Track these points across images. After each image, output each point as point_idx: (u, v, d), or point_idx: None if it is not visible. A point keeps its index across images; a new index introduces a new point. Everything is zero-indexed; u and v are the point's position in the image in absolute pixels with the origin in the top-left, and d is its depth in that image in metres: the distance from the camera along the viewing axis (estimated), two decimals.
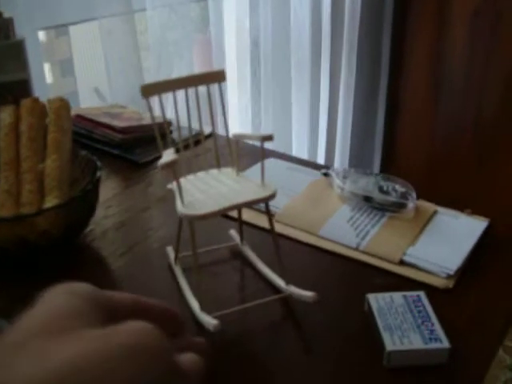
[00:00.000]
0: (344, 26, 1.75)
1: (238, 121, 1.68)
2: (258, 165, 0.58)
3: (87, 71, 1.53)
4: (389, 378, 0.51)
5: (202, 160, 0.61)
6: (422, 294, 0.57)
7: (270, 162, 0.88)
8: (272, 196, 0.54)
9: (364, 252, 0.67)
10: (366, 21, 1.79)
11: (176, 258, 0.63)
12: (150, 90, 0.55)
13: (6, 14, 0.87)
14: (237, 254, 0.67)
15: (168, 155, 0.51)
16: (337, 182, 0.77)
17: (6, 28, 0.85)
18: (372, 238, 0.68)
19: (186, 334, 0.33)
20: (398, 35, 1.94)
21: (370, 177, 0.77)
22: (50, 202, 0.64)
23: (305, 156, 1.79)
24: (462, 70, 1.90)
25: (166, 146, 0.55)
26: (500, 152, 1.90)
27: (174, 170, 0.52)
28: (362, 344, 0.54)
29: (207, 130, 0.69)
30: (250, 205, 0.55)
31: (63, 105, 0.69)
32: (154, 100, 0.57)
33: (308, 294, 0.57)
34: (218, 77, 0.59)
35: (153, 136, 0.56)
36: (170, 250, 0.66)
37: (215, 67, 1.49)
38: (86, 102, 1.44)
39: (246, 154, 0.90)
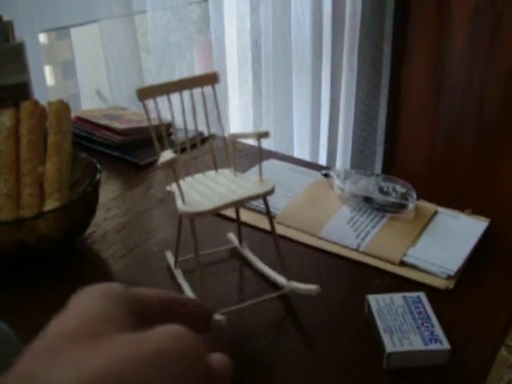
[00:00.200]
0: (345, 26, 1.75)
1: (239, 122, 1.69)
2: (257, 166, 0.58)
3: (89, 73, 1.53)
4: (389, 379, 0.50)
5: (199, 162, 0.61)
6: (422, 294, 0.57)
7: (270, 164, 0.88)
8: (271, 191, 0.54)
9: (364, 253, 0.67)
10: (366, 20, 1.79)
11: (176, 261, 0.63)
12: (146, 93, 0.55)
13: (6, 17, 0.87)
14: (236, 256, 0.67)
15: (166, 155, 0.51)
16: (337, 182, 0.77)
17: (6, 31, 0.86)
18: (372, 238, 0.68)
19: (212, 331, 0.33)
20: (398, 35, 1.94)
21: (371, 177, 0.77)
22: (50, 204, 0.64)
23: (306, 157, 1.79)
24: (463, 69, 1.89)
25: (163, 149, 0.55)
26: (501, 152, 1.89)
27: (174, 169, 0.52)
28: (362, 345, 0.54)
29: (206, 132, 0.69)
30: (249, 200, 0.55)
31: (63, 107, 0.69)
32: (156, 102, 0.57)
33: (311, 287, 0.57)
34: (212, 79, 0.59)
35: (159, 137, 0.56)
36: (170, 255, 0.66)
37: (216, 68, 1.49)
38: (88, 104, 1.45)
39: (247, 155, 0.90)
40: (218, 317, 0.52)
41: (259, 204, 0.73)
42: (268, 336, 0.56)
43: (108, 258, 0.68)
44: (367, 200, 0.74)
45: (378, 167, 2.08)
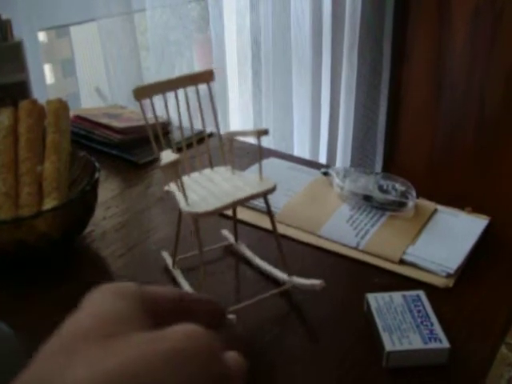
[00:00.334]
0: (345, 23, 1.75)
1: (239, 120, 1.68)
2: (257, 164, 0.58)
3: (89, 72, 1.53)
4: (388, 378, 0.50)
5: (197, 161, 0.60)
6: (421, 293, 0.57)
7: (270, 162, 0.88)
8: (273, 189, 0.54)
9: (364, 251, 0.66)
10: (366, 18, 1.78)
11: (174, 260, 0.63)
12: (143, 93, 0.55)
13: (5, 16, 0.87)
14: (233, 253, 0.67)
15: (169, 155, 0.51)
16: (336, 181, 0.77)
17: (4, 30, 0.85)
18: (372, 237, 0.68)
19: (226, 328, 0.33)
20: (398, 33, 1.93)
21: (370, 176, 0.76)
22: (49, 203, 0.64)
23: (306, 155, 1.79)
24: (464, 68, 1.89)
25: (160, 148, 0.55)
26: (501, 150, 1.89)
27: (178, 170, 0.52)
28: (362, 344, 0.54)
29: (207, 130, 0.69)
30: (252, 198, 0.55)
31: (62, 106, 0.69)
32: (152, 101, 0.57)
33: (315, 282, 0.57)
34: (207, 77, 0.59)
35: (155, 136, 0.56)
36: (166, 255, 0.65)
37: (216, 66, 1.48)
38: (88, 103, 1.44)
39: (247, 153, 0.90)
40: (229, 315, 0.52)
41: (259, 203, 0.73)
42: (271, 331, 0.56)
43: (107, 256, 0.68)
44: (367, 198, 0.73)
45: (378, 165, 2.08)
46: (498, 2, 1.75)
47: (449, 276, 0.62)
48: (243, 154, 0.90)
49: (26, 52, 0.90)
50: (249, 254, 0.66)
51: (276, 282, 0.61)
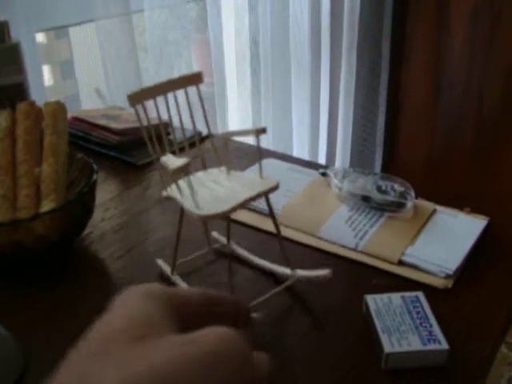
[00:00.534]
0: (343, 23, 1.75)
1: (237, 120, 1.68)
2: (257, 165, 0.58)
3: (88, 73, 1.53)
4: (387, 379, 0.50)
5: (195, 163, 0.60)
6: (420, 294, 0.57)
7: (269, 163, 0.88)
8: (276, 187, 0.55)
9: (362, 252, 0.66)
10: (365, 19, 1.78)
11: (174, 265, 0.61)
12: (137, 98, 0.55)
13: (2, 17, 0.86)
14: (226, 254, 0.67)
15: (173, 160, 0.51)
16: (335, 181, 0.77)
17: (2, 31, 0.85)
18: (370, 238, 0.68)
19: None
20: (397, 33, 1.93)
21: (369, 176, 0.76)
22: (47, 205, 0.64)
23: (305, 156, 1.79)
24: (462, 68, 1.89)
25: (155, 149, 0.55)
26: (500, 150, 1.89)
27: (188, 174, 0.52)
28: (361, 345, 0.54)
29: (204, 131, 0.69)
30: (259, 197, 0.55)
31: (59, 108, 0.69)
32: (144, 105, 0.56)
33: (322, 272, 0.57)
34: (195, 79, 0.59)
35: (150, 138, 0.56)
36: (161, 263, 0.64)
37: (214, 67, 1.48)
38: (87, 104, 1.44)
39: (246, 154, 0.90)
40: (253, 314, 0.52)
41: (258, 203, 0.73)
42: (270, 332, 0.55)
43: (106, 258, 0.68)
44: (365, 199, 0.73)
45: (378, 166, 2.08)
46: (496, 2, 1.75)
47: (448, 277, 0.62)
48: (241, 155, 0.89)
49: (24, 53, 0.90)
50: (244, 253, 0.65)
51: (276, 281, 0.61)
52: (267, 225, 0.70)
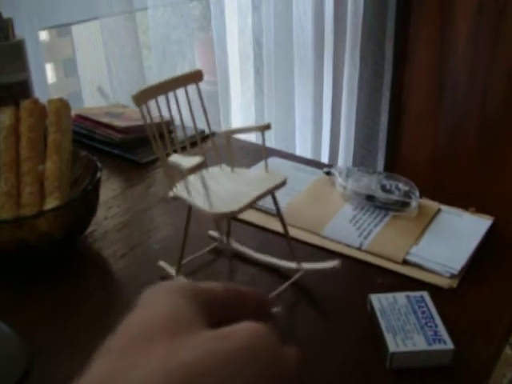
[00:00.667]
0: (347, 24, 1.74)
1: (241, 119, 1.68)
2: (260, 163, 0.58)
3: (91, 71, 1.52)
4: (392, 379, 0.50)
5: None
6: (425, 294, 0.56)
7: (272, 162, 0.87)
8: (284, 182, 0.56)
9: (367, 251, 0.66)
10: (368, 18, 1.78)
11: (179, 264, 0.60)
12: (142, 97, 0.55)
13: (6, 15, 0.86)
14: (227, 252, 0.67)
15: (182, 159, 0.50)
16: (339, 180, 0.77)
17: (6, 29, 0.85)
18: (375, 237, 0.68)
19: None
20: (400, 33, 1.93)
21: (373, 175, 0.76)
22: (51, 203, 0.63)
23: (308, 155, 1.78)
24: (466, 67, 1.89)
25: (159, 147, 0.55)
26: (504, 149, 1.89)
27: (202, 173, 0.52)
28: (365, 345, 0.53)
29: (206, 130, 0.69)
30: (269, 193, 0.55)
31: (63, 105, 0.69)
32: (148, 105, 0.56)
33: (329, 264, 0.57)
34: (195, 77, 0.59)
35: (155, 137, 0.56)
36: (164, 264, 0.63)
37: (218, 66, 1.48)
38: (90, 102, 1.44)
39: (247, 153, 0.90)
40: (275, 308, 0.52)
41: (264, 203, 0.72)
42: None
43: (109, 256, 0.68)
44: (369, 198, 0.73)
45: (381, 165, 2.07)
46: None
47: (453, 276, 0.61)
48: (244, 154, 0.89)
49: (28, 51, 0.90)
50: (246, 250, 0.65)
51: (281, 277, 0.61)
52: (271, 223, 0.70)
